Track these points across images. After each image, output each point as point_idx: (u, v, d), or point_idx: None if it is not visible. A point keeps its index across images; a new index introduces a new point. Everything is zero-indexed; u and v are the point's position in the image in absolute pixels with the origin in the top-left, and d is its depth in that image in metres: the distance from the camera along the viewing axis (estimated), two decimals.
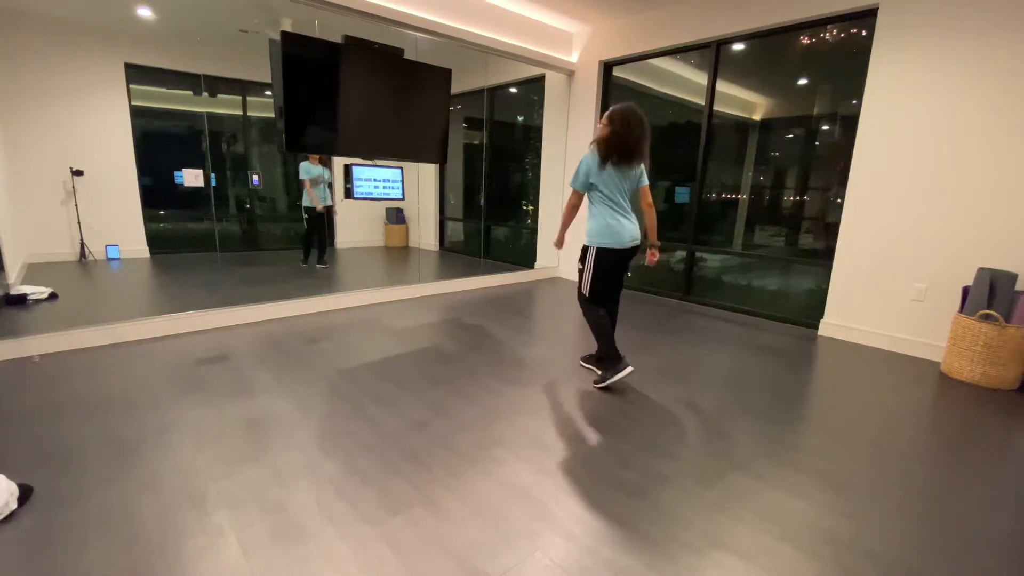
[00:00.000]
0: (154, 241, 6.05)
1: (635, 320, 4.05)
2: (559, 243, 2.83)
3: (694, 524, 1.56)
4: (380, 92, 4.00)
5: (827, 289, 3.78)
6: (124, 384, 2.48)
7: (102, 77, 5.51)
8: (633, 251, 2.62)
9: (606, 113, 2.52)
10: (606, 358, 2.64)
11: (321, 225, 5.70)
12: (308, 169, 5.38)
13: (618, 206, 2.55)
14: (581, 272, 2.65)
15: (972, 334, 2.86)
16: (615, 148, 2.46)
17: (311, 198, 5.46)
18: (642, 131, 2.47)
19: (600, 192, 2.54)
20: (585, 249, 2.62)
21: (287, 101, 3.45)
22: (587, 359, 2.92)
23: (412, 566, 1.34)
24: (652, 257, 2.74)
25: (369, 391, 2.48)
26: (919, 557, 1.46)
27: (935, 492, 1.81)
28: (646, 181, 2.66)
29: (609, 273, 2.61)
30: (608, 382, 2.58)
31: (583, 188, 2.58)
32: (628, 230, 2.55)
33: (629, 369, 2.57)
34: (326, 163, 5.54)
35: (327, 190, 5.63)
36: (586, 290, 2.63)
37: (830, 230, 3.83)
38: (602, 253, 2.56)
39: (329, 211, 5.77)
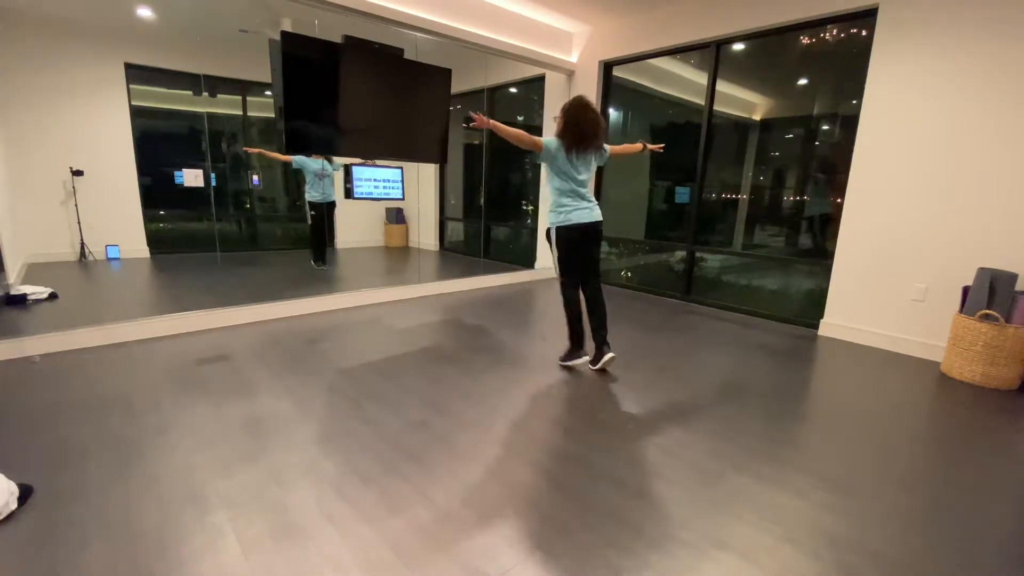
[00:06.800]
0: (154, 241, 6.04)
1: (635, 320, 4.05)
2: (484, 122, 2.65)
3: (694, 524, 1.56)
4: (380, 92, 4.00)
5: (827, 289, 3.78)
6: (124, 384, 2.48)
7: (102, 77, 5.50)
8: (594, 231, 2.76)
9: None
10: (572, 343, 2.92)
11: (323, 221, 5.55)
12: (302, 161, 5.19)
13: (574, 192, 2.72)
14: (553, 256, 2.86)
15: (972, 334, 2.86)
16: (571, 137, 2.63)
17: (314, 191, 5.31)
18: (593, 116, 2.65)
19: (559, 179, 2.70)
20: (548, 232, 2.82)
21: (287, 101, 3.46)
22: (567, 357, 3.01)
23: (412, 566, 1.34)
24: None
25: (369, 391, 2.48)
26: (919, 557, 1.45)
27: (935, 492, 1.81)
28: (607, 150, 2.86)
29: (574, 248, 2.75)
30: (568, 363, 2.92)
31: (548, 146, 2.64)
32: (583, 211, 2.71)
33: (584, 359, 2.90)
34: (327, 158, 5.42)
35: (331, 185, 5.42)
36: (556, 271, 2.84)
37: (829, 229, 3.83)
38: (561, 231, 2.72)
39: (331, 207, 5.56)
